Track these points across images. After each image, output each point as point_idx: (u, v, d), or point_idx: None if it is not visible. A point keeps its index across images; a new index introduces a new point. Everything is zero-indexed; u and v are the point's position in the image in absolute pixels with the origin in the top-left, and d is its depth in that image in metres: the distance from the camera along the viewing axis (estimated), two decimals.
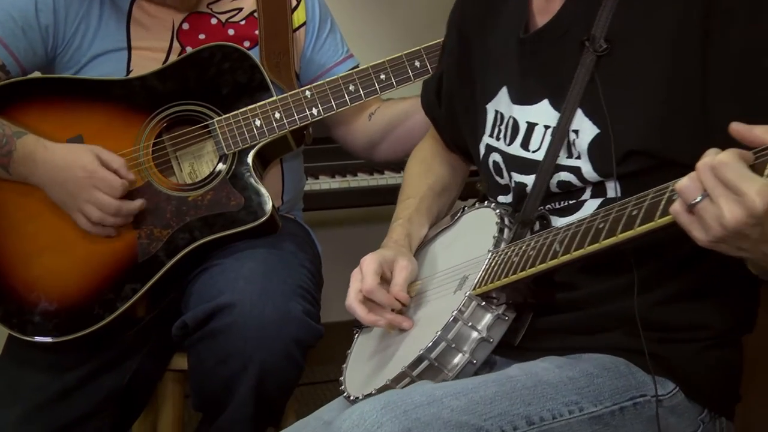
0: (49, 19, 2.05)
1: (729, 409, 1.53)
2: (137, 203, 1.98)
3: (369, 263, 1.58)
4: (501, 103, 1.60)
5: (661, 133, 1.39)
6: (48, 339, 1.96)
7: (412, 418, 1.29)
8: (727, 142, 1.14)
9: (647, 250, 1.38)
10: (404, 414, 1.30)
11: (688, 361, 1.46)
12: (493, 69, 1.63)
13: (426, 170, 1.84)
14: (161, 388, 2.17)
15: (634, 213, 1.22)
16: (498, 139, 1.60)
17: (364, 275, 1.57)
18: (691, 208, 1.13)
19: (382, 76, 2.08)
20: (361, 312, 1.55)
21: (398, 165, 2.92)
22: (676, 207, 1.15)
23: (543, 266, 1.35)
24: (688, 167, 1.16)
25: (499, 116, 1.61)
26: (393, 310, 1.60)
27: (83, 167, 1.95)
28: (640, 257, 1.38)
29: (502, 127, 1.59)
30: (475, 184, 2.87)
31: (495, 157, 1.61)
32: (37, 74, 2.13)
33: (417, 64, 2.08)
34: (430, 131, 1.91)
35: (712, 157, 1.12)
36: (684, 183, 1.14)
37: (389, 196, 2.88)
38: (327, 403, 1.61)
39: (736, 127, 1.14)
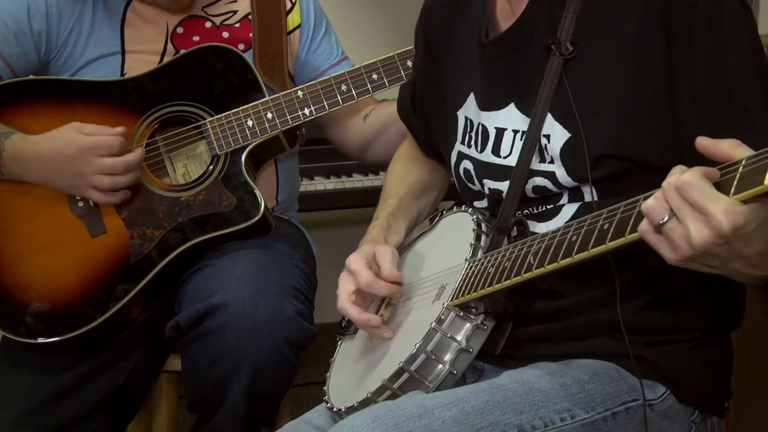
0: (42, 25, 2.05)
1: (719, 407, 1.53)
2: (138, 152, 1.98)
3: (356, 262, 1.56)
4: (469, 109, 1.59)
5: (631, 136, 1.39)
6: (40, 340, 1.95)
7: (403, 430, 1.29)
8: (694, 146, 1.14)
9: (627, 258, 1.37)
10: (395, 427, 1.29)
11: (676, 363, 1.45)
12: (460, 75, 1.62)
13: (406, 171, 1.83)
14: (156, 389, 2.17)
15: (606, 227, 1.21)
16: (469, 146, 1.59)
17: (357, 272, 1.55)
18: (658, 229, 1.13)
19: (374, 76, 2.08)
20: (354, 312, 1.54)
21: None
22: (644, 226, 1.15)
23: (518, 279, 1.35)
24: (663, 169, 1.16)
25: (468, 123, 1.59)
26: (378, 311, 1.60)
27: (72, 144, 1.94)
28: (620, 265, 1.36)
29: (473, 134, 1.58)
30: None
31: (466, 164, 1.60)
32: (29, 76, 2.14)
33: (409, 63, 2.07)
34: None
35: (677, 177, 1.11)
36: (650, 204, 1.13)
37: None
38: (321, 403, 1.60)
39: (702, 142, 1.13)
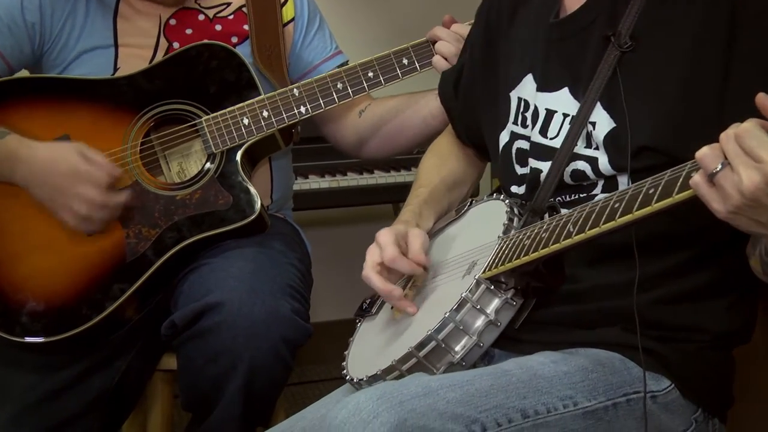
0: (35, 17, 2.05)
1: (722, 410, 1.54)
2: (123, 195, 1.96)
3: (385, 235, 1.58)
4: (525, 90, 1.62)
5: (675, 131, 1.41)
6: (36, 339, 1.94)
7: (407, 408, 1.30)
8: None
9: (652, 248, 1.39)
10: (400, 405, 1.30)
11: (684, 359, 1.46)
12: (519, 56, 1.65)
13: (440, 163, 1.86)
14: (151, 389, 2.17)
15: (651, 191, 1.22)
16: (525, 126, 1.61)
17: (384, 246, 1.56)
18: (711, 178, 1.15)
19: (370, 74, 2.08)
20: (378, 282, 1.55)
21: (388, 165, 2.93)
22: (697, 179, 1.16)
23: (556, 246, 1.35)
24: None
25: (523, 103, 1.62)
26: (405, 293, 1.60)
27: (67, 162, 1.93)
28: (644, 255, 1.38)
29: (527, 114, 1.60)
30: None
31: (521, 144, 1.62)
32: (24, 73, 2.13)
33: (405, 61, 2.08)
34: (447, 128, 1.93)
35: (735, 127, 1.14)
36: (705, 152, 1.15)
37: (379, 195, 2.90)
38: (322, 397, 1.60)
39: (763, 99, 1.14)
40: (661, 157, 1.41)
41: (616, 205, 1.27)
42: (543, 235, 1.39)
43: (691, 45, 1.41)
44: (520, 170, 1.62)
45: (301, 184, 2.87)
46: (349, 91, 2.08)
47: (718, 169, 1.14)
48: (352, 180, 2.94)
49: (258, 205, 1.99)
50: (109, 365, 2.03)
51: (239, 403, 1.88)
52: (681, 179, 1.19)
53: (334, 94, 2.07)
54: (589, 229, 1.29)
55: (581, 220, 1.32)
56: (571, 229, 1.33)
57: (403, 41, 2.10)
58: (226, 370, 1.85)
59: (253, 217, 1.98)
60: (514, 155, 1.63)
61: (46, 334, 1.94)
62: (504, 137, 1.65)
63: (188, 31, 2.12)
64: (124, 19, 2.10)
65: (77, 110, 2.04)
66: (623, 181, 1.46)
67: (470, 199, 1.73)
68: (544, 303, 1.48)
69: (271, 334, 1.85)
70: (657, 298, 1.45)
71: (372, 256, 1.58)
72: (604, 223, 1.27)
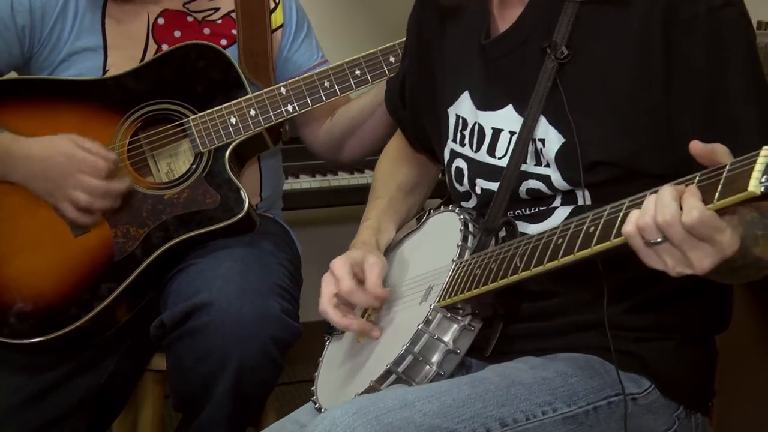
0: (26, 19, 2.05)
1: (704, 404, 1.54)
2: (125, 183, 1.97)
3: (340, 266, 1.56)
4: (463, 108, 1.59)
5: (627, 143, 1.40)
6: (24, 340, 1.94)
7: (384, 422, 1.29)
8: (689, 155, 1.15)
9: (616, 259, 1.38)
10: (376, 419, 1.29)
11: (662, 358, 1.46)
12: (452, 73, 1.63)
13: (395, 169, 1.84)
14: (141, 389, 2.17)
15: (591, 230, 1.22)
16: (463, 145, 1.59)
17: (339, 278, 1.55)
18: (649, 246, 1.14)
19: (357, 72, 2.08)
20: (335, 316, 1.54)
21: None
22: (637, 243, 1.15)
23: (504, 281, 1.35)
24: (657, 177, 1.18)
25: (461, 121, 1.60)
26: (365, 313, 1.60)
27: (64, 153, 1.94)
28: (609, 267, 1.37)
29: (466, 133, 1.58)
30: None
31: (459, 163, 1.60)
32: (12, 75, 2.13)
33: (392, 59, 2.07)
34: (399, 130, 1.90)
35: (677, 214, 1.11)
36: (644, 224, 1.13)
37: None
38: (308, 402, 1.60)
39: (696, 147, 1.13)
40: (617, 170, 1.41)
41: (559, 242, 1.26)
42: (492, 266, 1.38)
43: (631, 55, 1.38)
44: (460, 188, 1.60)
45: (291, 184, 2.87)
46: (336, 89, 2.07)
47: (658, 241, 1.13)
48: (343, 179, 2.94)
49: (246, 204, 1.98)
50: (96, 365, 2.03)
51: (229, 403, 1.87)
52: (617, 223, 1.18)
53: (321, 92, 2.07)
54: (534, 267, 1.30)
55: (527, 255, 1.32)
56: (518, 264, 1.33)
57: (390, 40, 2.10)
58: (216, 370, 1.85)
59: (240, 215, 1.98)
60: (453, 173, 1.61)
61: (34, 334, 1.94)
62: (446, 154, 1.63)
63: (177, 34, 2.12)
64: (113, 19, 2.09)
65: (65, 111, 2.04)
66: (581, 194, 1.44)
67: (428, 210, 1.71)
68: (519, 320, 1.48)
69: (261, 334, 1.85)
70: (629, 306, 1.45)
71: (328, 286, 1.56)
72: (547, 262, 1.27)
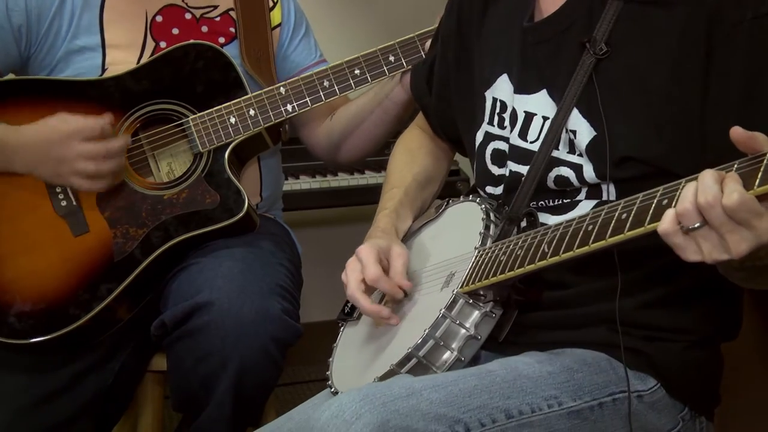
0: (22, 19, 2.05)
1: (709, 408, 1.54)
2: (122, 138, 1.97)
3: (367, 252, 1.57)
4: (501, 90, 1.60)
5: (658, 141, 1.40)
6: (24, 341, 1.94)
7: (390, 409, 1.29)
8: (718, 157, 1.16)
9: (633, 254, 1.39)
10: (383, 406, 1.30)
11: (670, 358, 1.46)
12: (492, 55, 1.63)
13: (411, 159, 1.84)
14: (141, 390, 2.16)
15: (624, 217, 1.22)
16: (502, 127, 1.59)
17: (366, 264, 1.55)
18: (686, 231, 1.14)
19: (357, 71, 2.08)
20: (365, 302, 1.54)
21: (378, 165, 2.93)
22: (668, 227, 1.15)
23: (531, 267, 1.35)
24: (684, 177, 1.17)
25: (498, 104, 1.60)
26: (382, 299, 1.60)
27: (55, 129, 1.93)
28: (626, 261, 1.38)
29: (505, 116, 1.59)
30: (455, 183, 2.86)
31: (497, 145, 1.60)
32: (11, 77, 2.12)
33: (391, 58, 2.07)
34: (415, 120, 1.91)
35: (718, 195, 1.11)
36: (685, 209, 1.13)
37: (370, 195, 2.89)
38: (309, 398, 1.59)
39: (737, 133, 1.13)
40: (646, 168, 1.41)
41: (590, 228, 1.26)
42: (519, 252, 1.39)
43: (670, 55, 1.39)
44: (497, 171, 1.61)
45: (291, 185, 2.87)
46: (336, 88, 2.07)
47: (696, 226, 1.13)
48: (343, 180, 2.94)
49: (245, 204, 1.98)
50: (102, 367, 2.03)
51: (229, 403, 1.87)
52: (652, 208, 1.19)
53: (320, 92, 2.07)
54: (563, 252, 1.30)
55: (555, 241, 1.32)
56: (546, 250, 1.33)
57: (389, 40, 2.10)
58: (216, 370, 1.85)
59: (240, 215, 1.98)
60: (489, 156, 1.62)
61: (34, 334, 1.94)
62: (479, 137, 1.64)
63: (175, 31, 2.12)
64: (111, 18, 2.10)
65: (65, 111, 2.03)
66: (607, 189, 1.45)
67: (447, 199, 1.72)
68: (531, 308, 1.48)
69: (261, 334, 1.84)
70: (641, 302, 1.45)
71: (354, 273, 1.56)
72: (578, 248, 1.28)
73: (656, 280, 1.44)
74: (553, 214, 1.50)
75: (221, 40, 2.13)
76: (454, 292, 1.46)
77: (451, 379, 1.37)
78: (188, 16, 2.14)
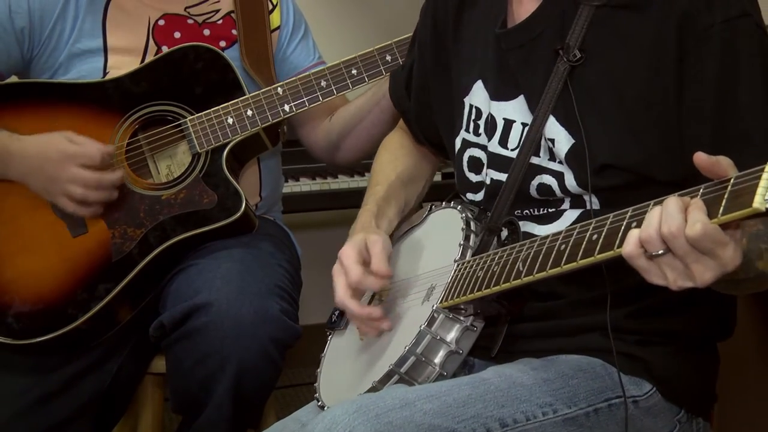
0: (24, 21, 2.06)
1: (705, 409, 1.53)
2: (118, 174, 1.98)
3: (347, 254, 1.56)
4: (476, 97, 1.59)
5: (636, 148, 1.39)
6: (22, 341, 1.94)
7: (384, 421, 1.29)
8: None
9: (622, 265, 1.38)
10: (376, 418, 1.29)
11: (665, 362, 1.46)
12: (468, 62, 1.62)
13: (395, 158, 1.83)
14: (141, 392, 2.16)
15: (594, 238, 1.21)
16: (477, 134, 1.58)
17: (347, 267, 1.54)
18: (650, 257, 1.14)
19: (354, 71, 2.08)
20: (354, 307, 1.53)
21: None
22: (633, 251, 1.15)
23: (507, 285, 1.35)
24: (666, 184, 1.18)
25: (474, 111, 1.59)
26: (371, 301, 1.59)
27: (56, 148, 1.95)
28: (615, 272, 1.37)
29: (480, 123, 1.58)
30: (454, 186, 2.86)
31: (473, 152, 1.60)
32: (13, 79, 2.13)
33: (388, 58, 2.07)
34: (399, 123, 1.90)
35: (681, 226, 1.10)
36: (647, 236, 1.13)
37: None
38: (311, 402, 1.59)
39: (700, 159, 1.12)
40: (627, 175, 1.40)
41: (562, 248, 1.26)
42: (495, 269, 1.38)
43: (644, 60, 1.38)
44: (474, 178, 1.60)
45: (291, 187, 2.87)
46: (333, 88, 2.07)
47: (659, 253, 1.13)
48: (343, 182, 2.94)
49: (243, 204, 1.98)
50: (100, 368, 2.03)
51: (228, 405, 1.87)
52: (621, 232, 1.18)
53: (318, 91, 2.07)
54: (536, 272, 1.29)
55: (529, 260, 1.31)
56: (521, 269, 1.32)
57: (386, 40, 2.10)
58: (215, 372, 1.85)
59: (238, 215, 1.98)
60: (465, 163, 1.61)
61: (32, 335, 1.94)
62: (457, 143, 1.63)
63: (177, 35, 2.13)
64: (114, 20, 2.10)
65: (64, 113, 2.05)
66: (590, 200, 1.44)
67: (430, 204, 1.71)
68: (523, 319, 1.48)
69: (260, 335, 1.84)
70: (633, 310, 1.45)
71: (339, 278, 1.55)
72: (550, 268, 1.27)
73: (645, 288, 1.41)
74: (538, 223, 1.49)
75: (222, 43, 2.14)
76: (434, 308, 1.45)
77: (445, 389, 1.37)
78: (190, 21, 2.15)
